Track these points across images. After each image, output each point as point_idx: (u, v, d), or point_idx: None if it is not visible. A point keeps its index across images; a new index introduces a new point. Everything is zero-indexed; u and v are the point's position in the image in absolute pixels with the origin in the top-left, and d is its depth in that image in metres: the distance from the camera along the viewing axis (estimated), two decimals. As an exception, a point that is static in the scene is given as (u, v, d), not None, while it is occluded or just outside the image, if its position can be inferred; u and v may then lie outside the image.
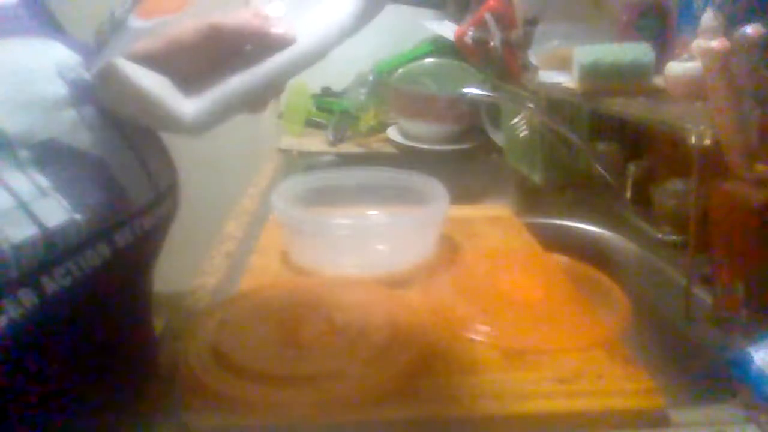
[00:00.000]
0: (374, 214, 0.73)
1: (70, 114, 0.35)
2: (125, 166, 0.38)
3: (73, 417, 0.38)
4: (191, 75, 0.39)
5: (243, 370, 0.44)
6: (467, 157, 1.29)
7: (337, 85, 1.53)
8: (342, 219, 0.67)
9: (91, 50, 0.40)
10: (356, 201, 0.74)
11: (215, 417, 0.41)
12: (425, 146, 1.28)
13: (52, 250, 0.32)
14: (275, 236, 0.71)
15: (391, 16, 0.47)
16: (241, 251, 0.75)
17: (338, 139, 1.36)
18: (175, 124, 0.38)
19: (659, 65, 0.74)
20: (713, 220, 0.53)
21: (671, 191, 0.77)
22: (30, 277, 0.31)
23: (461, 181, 1.08)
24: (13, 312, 0.31)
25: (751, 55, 0.47)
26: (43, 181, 0.33)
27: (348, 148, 1.35)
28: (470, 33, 1.16)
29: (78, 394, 0.39)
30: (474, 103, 1.22)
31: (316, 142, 1.38)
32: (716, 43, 0.49)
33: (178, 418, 0.41)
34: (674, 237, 0.75)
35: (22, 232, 0.31)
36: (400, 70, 1.34)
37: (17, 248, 0.30)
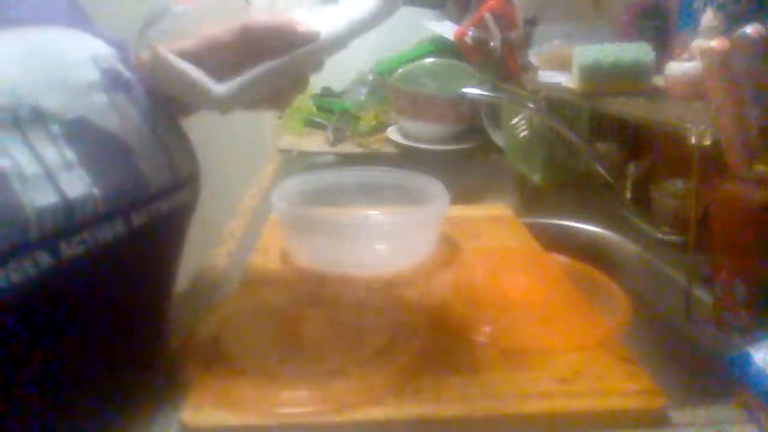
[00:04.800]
0: (374, 214, 0.73)
1: (100, 98, 0.38)
2: (147, 151, 0.40)
3: (77, 396, 0.39)
4: (224, 69, 0.44)
5: (243, 370, 0.44)
6: (467, 157, 1.29)
7: (337, 85, 1.53)
8: (342, 219, 0.67)
9: (123, 45, 0.43)
10: (356, 201, 0.74)
11: (215, 416, 0.41)
12: (425, 146, 1.28)
13: (71, 218, 0.34)
14: (275, 236, 0.71)
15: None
16: (241, 250, 0.75)
17: (338, 139, 1.36)
18: (207, 97, 0.44)
19: (659, 65, 0.74)
20: (713, 220, 0.53)
21: (671, 191, 0.77)
22: (48, 241, 0.33)
23: (461, 181, 1.07)
24: (30, 270, 0.33)
25: (751, 55, 0.47)
26: (70, 155, 0.35)
27: (348, 148, 1.35)
28: (470, 33, 1.16)
29: (84, 371, 0.39)
30: (474, 103, 1.22)
31: (316, 142, 1.38)
32: (716, 43, 0.49)
33: (178, 417, 0.41)
34: (674, 237, 0.75)
35: (45, 198, 0.33)
36: (400, 70, 1.34)
37: (39, 212, 0.33)
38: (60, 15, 0.41)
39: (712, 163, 0.53)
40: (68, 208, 0.34)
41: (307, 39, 0.44)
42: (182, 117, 0.51)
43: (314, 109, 1.49)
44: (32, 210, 0.33)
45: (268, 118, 1.46)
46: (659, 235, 0.77)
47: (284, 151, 1.35)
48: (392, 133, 1.35)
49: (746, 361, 0.42)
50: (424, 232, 0.66)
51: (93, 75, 0.39)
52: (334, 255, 0.63)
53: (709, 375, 0.55)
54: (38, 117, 0.34)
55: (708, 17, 0.64)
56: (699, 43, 0.64)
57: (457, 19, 1.34)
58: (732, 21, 0.62)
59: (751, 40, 0.47)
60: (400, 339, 0.49)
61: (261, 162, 1.29)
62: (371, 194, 0.74)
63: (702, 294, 0.59)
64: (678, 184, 0.76)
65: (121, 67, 0.41)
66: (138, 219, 0.39)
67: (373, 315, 0.53)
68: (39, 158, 0.34)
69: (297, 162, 1.31)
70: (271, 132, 1.52)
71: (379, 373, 0.44)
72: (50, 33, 0.39)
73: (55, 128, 0.35)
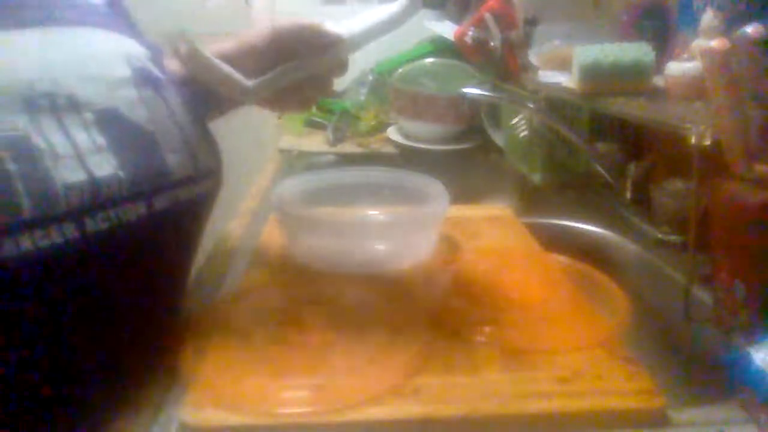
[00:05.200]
0: (374, 214, 0.73)
1: (131, 92, 0.42)
2: (171, 143, 0.44)
3: (83, 374, 0.42)
4: (256, 68, 0.50)
5: (243, 370, 0.44)
6: (467, 157, 1.29)
7: (337, 85, 1.53)
8: (342, 219, 0.67)
9: (157, 48, 0.49)
10: (356, 201, 0.74)
11: (215, 416, 0.41)
12: (425, 146, 1.28)
13: (97, 196, 0.38)
14: (275, 235, 0.71)
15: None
16: (241, 250, 0.75)
17: (338, 139, 1.36)
18: (237, 87, 0.50)
19: (659, 65, 0.74)
20: (713, 220, 0.53)
21: (671, 191, 0.77)
22: (75, 215, 0.37)
23: (461, 181, 1.07)
24: (56, 238, 0.36)
25: (751, 55, 0.47)
26: (100, 140, 0.39)
27: (348, 148, 1.35)
28: (470, 33, 1.16)
29: (95, 346, 0.42)
30: (474, 103, 1.22)
31: (316, 142, 1.38)
32: (716, 43, 0.49)
33: (178, 416, 0.41)
34: (674, 237, 0.75)
35: (74, 175, 0.37)
36: (400, 70, 1.34)
37: (68, 188, 0.36)
38: (101, 18, 0.46)
39: (712, 163, 0.53)
40: (94, 186, 0.38)
41: (332, 37, 0.50)
42: (210, 119, 0.56)
43: (314, 109, 1.49)
44: (62, 185, 0.36)
45: (268, 118, 1.46)
46: (659, 235, 0.77)
47: (284, 151, 1.35)
48: (392, 133, 1.35)
49: (747, 361, 0.42)
50: (424, 232, 0.66)
51: (125, 72, 0.43)
52: (334, 255, 0.63)
53: (709, 375, 0.55)
54: (73, 104, 0.38)
55: (708, 17, 0.64)
56: (699, 43, 0.64)
57: (457, 19, 1.34)
58: (732, 21, 0.62)
59: (751, 40, 0.47)
60: (400, 339, 0.49)
61: (261, 162, 1.29)
62: (371, 194, 0.74)
63: (702, 294, 0.59)
64: (678, 184, 0.76)
65: (152, 67, 0.46)
66: (159, 204, 0.42)
67: (373, 315, 0.53)
68: (71, 140, 0.38)
69: (297, 162, 1.31)
70: (271, 132, 1.52)
71: (379, 373, 0.44)
72: (90, 33, 0.43)
73: (88, 115, 0.39)
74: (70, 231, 0.37)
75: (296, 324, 0.51)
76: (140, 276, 0.44)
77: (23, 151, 0.35)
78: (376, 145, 1.36)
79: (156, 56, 0.48)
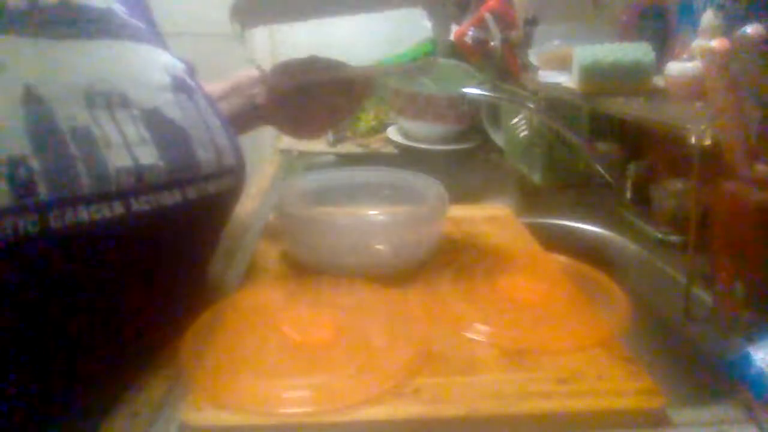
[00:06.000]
0: (374, 214, 0.73)
1: (168, 96, 0.49)
2: (200, 139, 0.50)
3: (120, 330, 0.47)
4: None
5: (243, 370, 0.44)
6: (467, 157, 1.29)
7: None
8: (342, 219, 0.67)
9: (189, 63, 0.56)
10: (356, 201, 0.74)
11: (215, 416, 0.41)
12: (425, 146, 1.28)
13: (140, 180, 0.44)
14: (275, 236, 0.71)
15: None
16: (241, 250, 0.75)
17: (338, 139, 1.36)
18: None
19: (659, 65, 0.74)
20: (713, 220, 0.53)
21: (671, 191, 0.77)
22: (122, 195, 0.43)
23: (461, 181, 1.07)
24: (106, 213, 0.42)
25: (751, 55, 0.47)
26: (145, 133, 0.45)
27: (348, 148, 1.35)
28: (470, 33, 1.16)
29: (130, 312, 0.47)
30: (474, 103, 1.22)
31: (316, 142, 1.38)
32: (716, 43, 0.49)
33: (178, 416, 0.41)
34: (674, 237, 0.75)
35: (123, 161, 0.43)
36: (400, 70, 1.34)
37: (117, 171, 0.43)
38: (145, 35, 0.54)
39: (712, 163, 0.53)
40: (139, 172, 0.44)
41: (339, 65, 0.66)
42: (240, 132, 0.64)
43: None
44: (113, 168, 0.42)
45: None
46: (659, 235, 0.77)
47: (284, 151, 1.35)
48: (392, 133, 1.35)
49: (747, 361, 0.42)
50: (424, 232, 0.66)
51: (165, 79, 0.50)
52: (334, 255, 0.63)
53: (709, 375, 0.55)
54: (124, 103, 0.45)
55: (708, 17, 0.64)
56: (699, 43, 0.64)
57: (457, 19, 1.34)
58: (732, 21, 0.62)
59: (751, 40, 0.47)
60: (400, 339, 0.49)
61: (261, 162, 1.29)
62: (371, 194, 0.74)
63: (702, 294, 0.59)
64: (678, 184, 0.76)
65: (185, 77, 0.53)
66: (190, 194, 0.48)
67: (373, 315, 0.53)
68: (121, 132, 0.44)
69: (297, 162, 1.31)
70: (271, 132, 1.52)
71: (379, 373, 0.44)
72: (138, 46, 0.51)
73: (136, 113, 0.46)
74: (119, 209, 0.42)
75: (296, 324, 0.51)
76: (171, 256, 0.49)
77: (84, 138, 0.42)
78: (376, 145, 1.36)
79: (189, 69, 0.55)
